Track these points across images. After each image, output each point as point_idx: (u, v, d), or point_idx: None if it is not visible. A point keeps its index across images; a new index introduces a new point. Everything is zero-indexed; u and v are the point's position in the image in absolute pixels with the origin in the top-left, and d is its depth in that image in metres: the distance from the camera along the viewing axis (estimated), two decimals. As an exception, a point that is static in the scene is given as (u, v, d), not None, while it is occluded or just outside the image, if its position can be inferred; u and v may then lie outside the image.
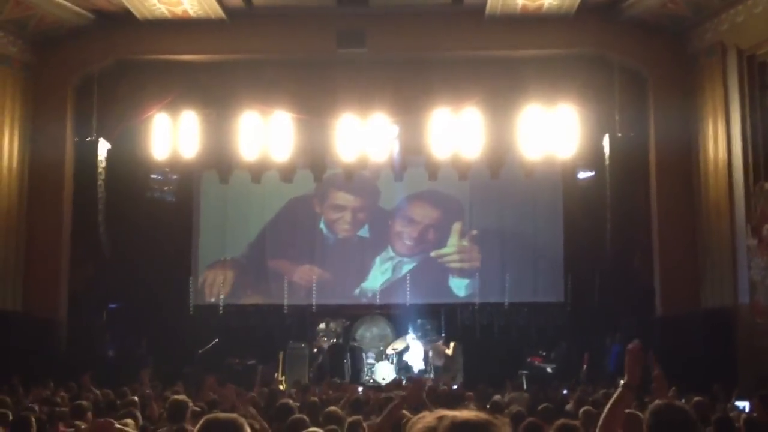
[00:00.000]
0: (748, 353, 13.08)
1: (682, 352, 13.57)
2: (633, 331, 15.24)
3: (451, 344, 17.32)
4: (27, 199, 14.98)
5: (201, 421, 2.78)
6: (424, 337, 17.79)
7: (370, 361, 17.23)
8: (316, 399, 9.02)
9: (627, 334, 15.52)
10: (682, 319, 14.19)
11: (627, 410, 4.29)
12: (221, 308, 18.70)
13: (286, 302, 18.63)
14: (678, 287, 14.65)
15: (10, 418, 6.32)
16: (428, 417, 1.89)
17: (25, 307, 14.66)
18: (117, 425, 5.38)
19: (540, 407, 7.72)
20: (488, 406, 8.10)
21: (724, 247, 13.84)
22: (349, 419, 5.51)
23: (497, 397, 9.65)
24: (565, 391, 12.85)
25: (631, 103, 15.52)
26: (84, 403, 7.36)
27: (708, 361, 12.99)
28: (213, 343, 17.19)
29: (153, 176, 17.89)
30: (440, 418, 1.83)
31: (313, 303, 18.60)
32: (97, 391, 9.81)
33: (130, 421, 5.98)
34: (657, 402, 3.12)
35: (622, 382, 3.38)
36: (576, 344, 16.86)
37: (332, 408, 6.82)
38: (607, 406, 3.47)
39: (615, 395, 3.42)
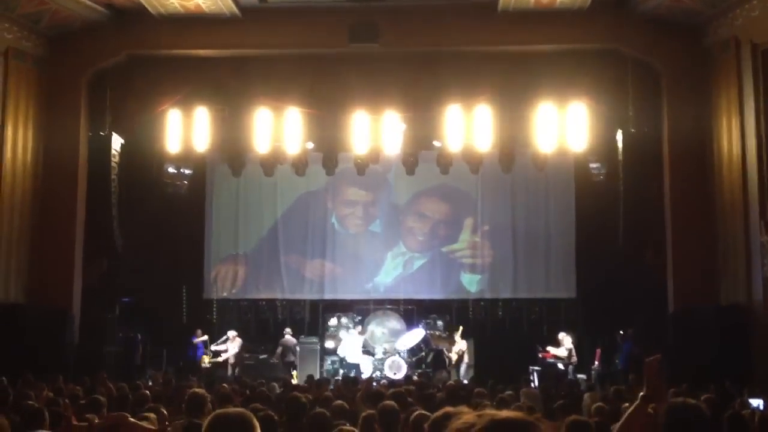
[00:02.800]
0: (762, 350, 13.01)
1: (695, 349, 13.52)
2: (645, 328, 15.22)
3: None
4: (41, 194, 15.03)
5: (210, 417, 2.77)
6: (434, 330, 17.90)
7: (380, 356, 17.25)
8: (329, 394, 9.04)
9: (639, 331, 15.50)
10: (695, 316, 14.11)
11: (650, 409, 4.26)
12: (233, 302, 18.77)
13: (298, 297, 18.70)
14: (691, 283, 14.57)
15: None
16: (468, 415, 1.90)
17: (38, 300, 14.73)
18: (130, 419, 5.41)
19: (557, 404, 7.71)
20: (495, 403, 8.08)
21: (738, 243, 13.76)
22: (363, 414, 5.52)
23: (508, 393, 9.63)
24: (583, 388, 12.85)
25: (645, 99, 15.44)
26: (101, 398, 7.40)
27: (721, 358, 12.92)
28: (225, 337, 17.27)
29: (166, 171, 17.95)
30: (480, 416, 1.85)
31: (325, 298, 18.67)
32: (111, 385, 9.86)
33: (152, 415, 5.99)
34: (673, 400, 3.09)
35: (641, 394, 3.28)
36: (588, 340, 16.83)
37: (339, 402, 6.82)
38: (625, 416, 3.40)
39: (632, 407, 3.33)
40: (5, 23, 14.16)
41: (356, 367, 16.98)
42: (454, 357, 16.97)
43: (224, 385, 9.64)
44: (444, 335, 17.86)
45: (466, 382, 14.70)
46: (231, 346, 17.02)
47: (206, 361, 16.69)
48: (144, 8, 14.66)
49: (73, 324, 14.95)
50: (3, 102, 14.33)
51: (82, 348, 14.93)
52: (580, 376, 15.73)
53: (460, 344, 17.07)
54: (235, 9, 14.78)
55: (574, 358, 16.11)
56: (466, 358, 17.04)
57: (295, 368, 16.82)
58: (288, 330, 17.37)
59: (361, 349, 17.36)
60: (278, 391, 10.51)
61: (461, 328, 17.25)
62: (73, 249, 15.24)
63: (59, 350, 14.23)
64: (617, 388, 10.36)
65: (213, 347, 17.09)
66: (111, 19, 15.12)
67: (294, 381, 14.97)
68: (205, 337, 17.24)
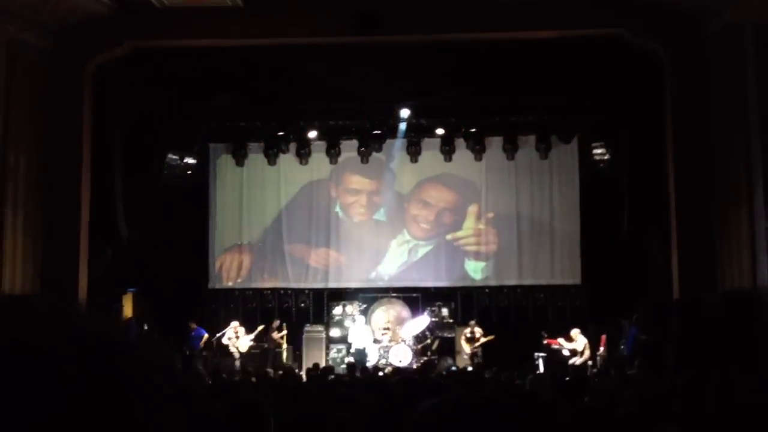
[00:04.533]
0: (767, 336, 13.00)
1: (700, 335, 13.52)
2: (650, 314, 15.21)
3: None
4: (45, 185, 15.05)
5: (226, 404, 2.76)
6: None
7: (386, 343, 17.29)
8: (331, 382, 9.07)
9: (644, 317, 15.49)
10: (700, 302, 14.10)
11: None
12: (238, 292, 18.83)
13: (302, 286, 18.75)
14: (695, 269, 14.54)
15: None
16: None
17: (44, 292, 14.78)
18: None
19: (561, 390, 7.72)
20: (504, 389, 8.10)
21: (743, 229, 13.74)
22: (367, 401, 5.54)
23: (518, 381, 9.65)
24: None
25: (649, 84, 15.39)
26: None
27: (727, 344, 12.92)
28: (228, 327, 17.32)
29: (169, 161, 17.99)
30: (445, 397, 1.84)
31: (330, 286, 18.71)
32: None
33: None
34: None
35: None
36: (593, 326, 16.84)
37: (346, 390, 6.85)
38: None
39: None
40: (5, 14, 14.12)
41: (362, 352, 16.99)
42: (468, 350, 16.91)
43: (223, 375, 9.66)
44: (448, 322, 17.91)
45: (470, 369, 14.74)
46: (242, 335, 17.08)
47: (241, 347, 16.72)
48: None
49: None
50: (6, 94, 14.32)
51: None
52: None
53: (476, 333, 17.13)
54: (237, -1, 14.73)
55: (587, 353, 16.01)
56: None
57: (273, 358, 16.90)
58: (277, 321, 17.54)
59: (369, 336, 17.35)
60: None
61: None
62: (78, 240, 15.27)
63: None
64: (623, 374, 10.38)
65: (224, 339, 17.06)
66: (114, 11, 15.08)
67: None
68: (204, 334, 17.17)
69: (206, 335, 16.75)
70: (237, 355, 16.70)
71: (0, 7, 13.84)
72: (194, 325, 16.93)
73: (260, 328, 17.12)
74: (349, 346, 17.53)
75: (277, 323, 17.36)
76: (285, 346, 17.23)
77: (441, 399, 1.60)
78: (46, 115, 15.13)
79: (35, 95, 14.95)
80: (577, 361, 15.76)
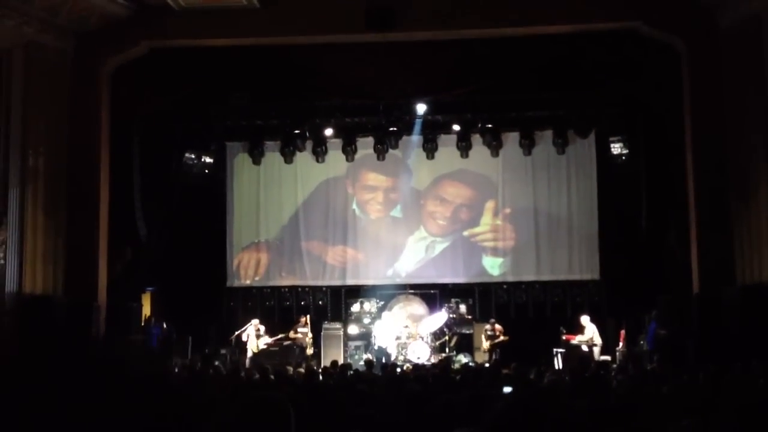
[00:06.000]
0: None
1: (720, 330, 13.43)
2: (670, 309, 15.14)
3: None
4: (65, 185, 15.16)
5: (246, 400, 2.76)
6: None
7: (404, 340, 17.29)
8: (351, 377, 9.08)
9: (663, 312, 15.42)
10: (720, 296, 14.01)
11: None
12: (256, 290, 18.89)
13: (320, 283, 18.79)
14: (715, 263, 14.44)
15: None
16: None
17: (66, 291, 14.90)
18: None
19: (582, 386, 7.69)
20: (522, 385, 8.08)
21: (762, 222, 13.64)
22: (387, 398, 5.55)
23: (532, 375, 9.64)
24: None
25: (667, 78, 15.28)
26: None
27: (747, 337, 12.83)
28: (249, 324, 17.37)
29: (187, 161, 18.08)
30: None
31: (347, 284, 18.74)
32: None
33: None
34: None
35: None
36: (612, 322, 16.77)
37: (362, 387, 6.85)
38: None
39: None
40: (24, 16, 14.22)
41: (383, 350, 17.02)
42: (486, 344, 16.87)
43: (241, 374, 9.70)
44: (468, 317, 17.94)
45: (487, 365, 14.72)
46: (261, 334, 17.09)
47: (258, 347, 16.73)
48: (163, 0, 14.69)
49: (99, 315, 15.10)
50: (25, 95, 14.43)
51: (108, 338, 15.09)
52: (604, 357, 15.68)
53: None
54: (253, -1, 14.77)
55: (598, 341, 16.00)
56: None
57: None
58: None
59: (393, 334, 17.33)
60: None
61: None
62: (97, 240, 15.38)
63: (86, 341, 14.37)
64: (645, 370, 10.33)
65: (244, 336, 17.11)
66: (132, 12, 15.15)
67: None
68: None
69: (158, 334, 16.55)
70: (251, 353, 16.69)
71: (18, 9, 13.95)
72: (153, 320, 16.82)
73: (288, 333, 17.05)
74: (368, 343, 17.57)
75: (303, 320, 17.32)
76: (310, 335, 17.09)
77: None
78: (65, 116, 15.22)
79: (54, 96, 15.04)
80: (594, 352, 15.71)
